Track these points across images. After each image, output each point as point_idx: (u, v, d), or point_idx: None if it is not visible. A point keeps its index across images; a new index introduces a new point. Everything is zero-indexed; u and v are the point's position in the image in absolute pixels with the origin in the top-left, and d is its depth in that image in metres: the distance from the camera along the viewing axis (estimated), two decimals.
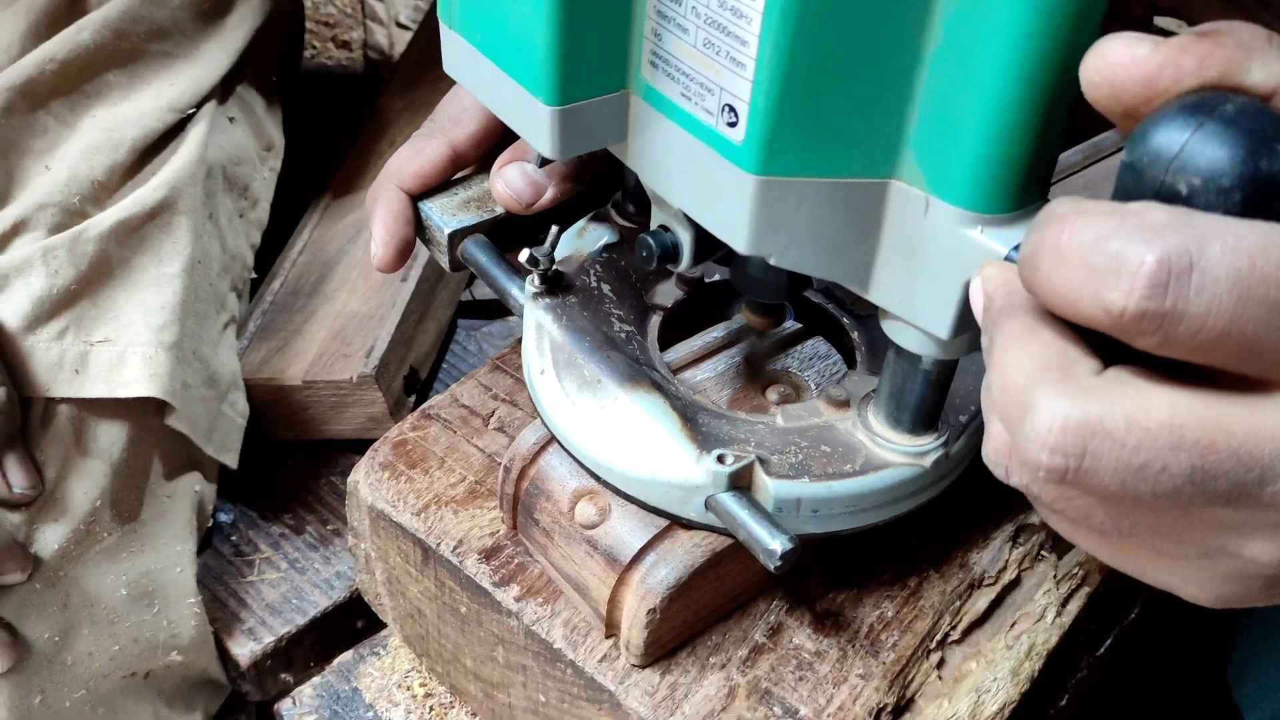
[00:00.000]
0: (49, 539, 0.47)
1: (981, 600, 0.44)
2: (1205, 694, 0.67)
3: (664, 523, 0.39)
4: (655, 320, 0.45)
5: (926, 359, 0.36)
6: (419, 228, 0.47)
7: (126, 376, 0.50)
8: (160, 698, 0.52)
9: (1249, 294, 0.23)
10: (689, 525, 0.39)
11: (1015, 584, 0.46)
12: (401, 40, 0.93)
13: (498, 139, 0.47)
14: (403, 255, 0.46)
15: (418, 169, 0.47)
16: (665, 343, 0.44)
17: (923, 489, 0.39)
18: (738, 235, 0.33)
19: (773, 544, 0.35)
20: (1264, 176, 0.24)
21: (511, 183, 0.45)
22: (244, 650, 0.53)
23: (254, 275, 0.63)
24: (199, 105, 0.59)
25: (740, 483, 0.37)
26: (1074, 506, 0.28)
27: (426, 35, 0.83)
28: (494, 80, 0.37)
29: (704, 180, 0.34)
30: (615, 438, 0.39)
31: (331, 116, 0.78)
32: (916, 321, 0.34)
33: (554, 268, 0.43)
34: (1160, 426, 0.24)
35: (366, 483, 0.46)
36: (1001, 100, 0.28)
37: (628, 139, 0.36)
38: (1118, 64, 0.26)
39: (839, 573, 0.44)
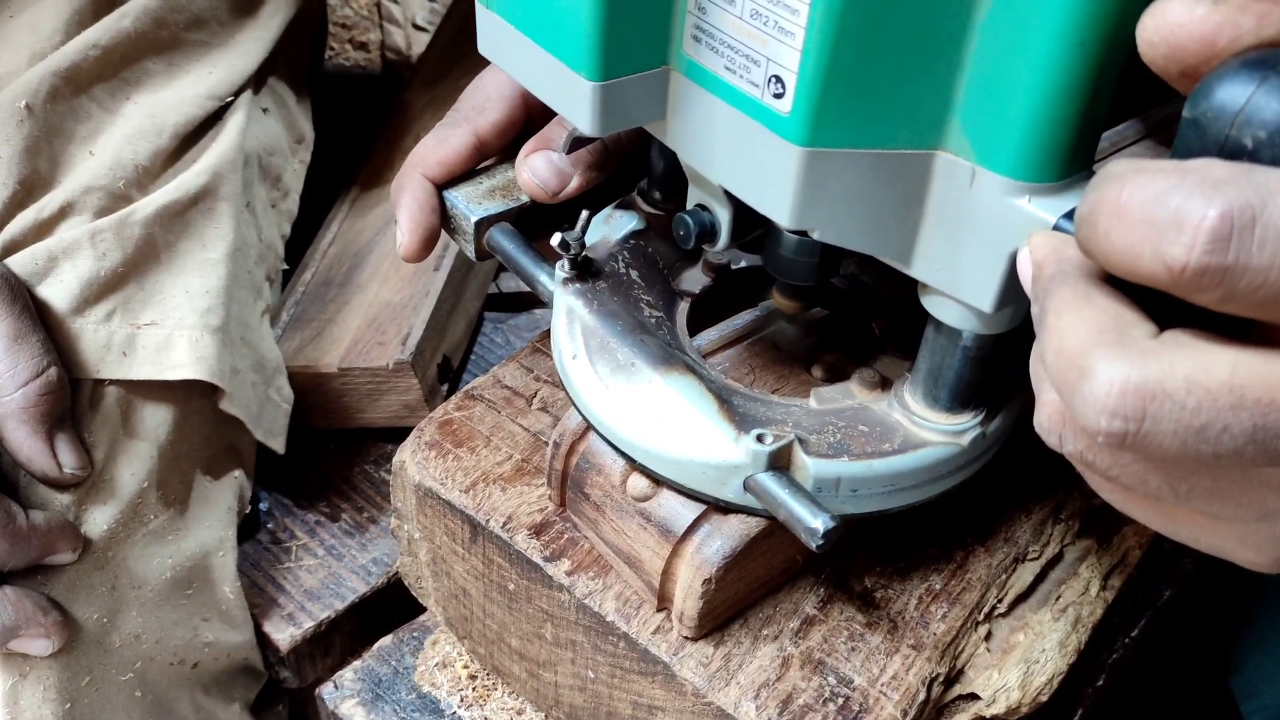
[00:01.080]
0: (98, 520, 0.47)
1: (1026, 574, 0.44)
2: (1205, 679, 0.67)
3: None
4: (683, 306, 0.45)
5: (967, 334, 0.36)
6: (444, 217, 0.47)
7: (174, 359, 0.50)
8: (199, 686, 0.52)
9: None
10: (726, 508, 0.39)
11: (1058, 559, 0.46)
12: (418, 41, 0.93)
13: (521, 128, 0.48)
14: (429, 244, 0.46)
15: (442, 157, 0.47)
16: (693, 329, 0.44)
17: (961, 468, 0.39)
18: (781, 209, 0.33)
19: (814, 523, 0.35)
20: None
21: (537, 171, 0.45)
22: (284, 635, 0.53)
23: (285, 266, 0.64)
24: (236, 94, 0.59)
25: (779, 463, 0.37)
26: (1130, 472, 0.27)
27: (447, 35, 0.83)
28: (533, 58, 0.37)
29: (747, 155, 0.34)
30: (651, 420, 0.39)
31: (353, 114, 0.78)
32: (959, 295, 0.34)
33: (583, 254, 0.43)
34: (1221, 386, 0.24)
35: (414, 461, 0.46)
36: (1053, 67, 0.29)
37: (667, 117, 0.37)
38: (1176, 24, 0.27)
39: (883, 548, 0.44)
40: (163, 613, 0.49)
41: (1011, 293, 0.33)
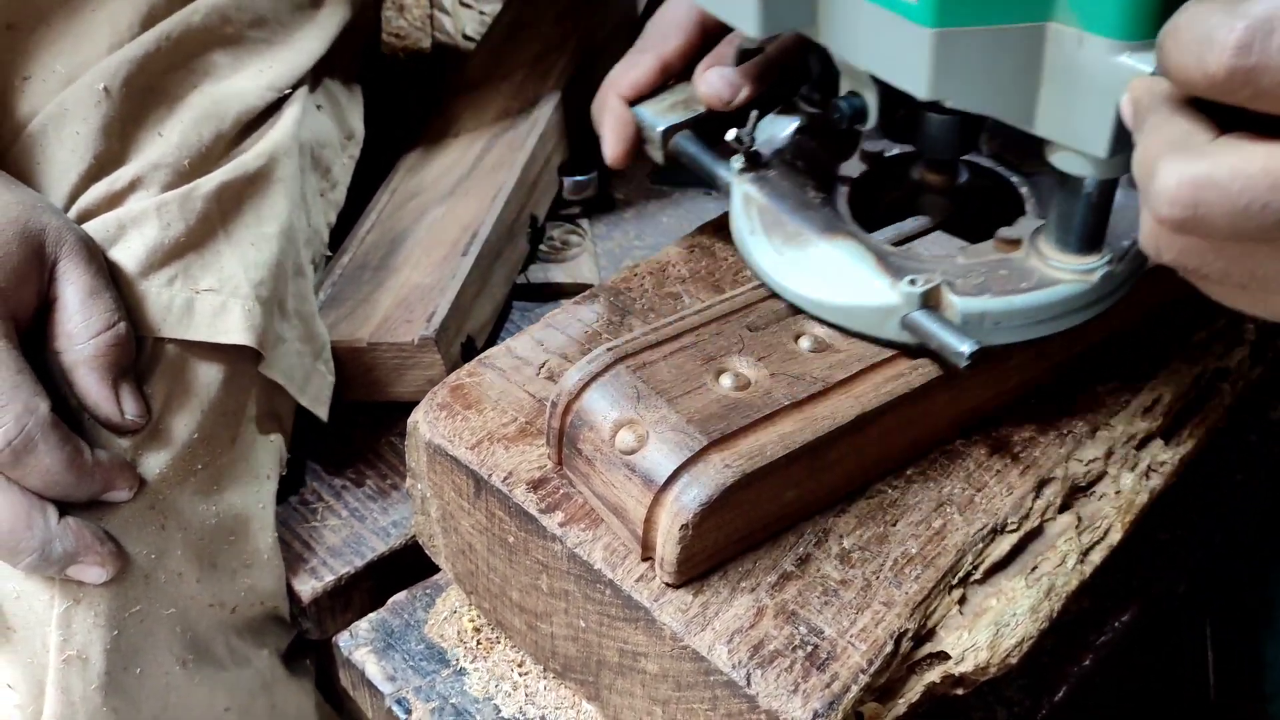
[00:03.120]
0: (151, 465, 0.52)
1: (1004, 544, 0.46)
2: (1236, 682, 0.67)
3: (697, 446, 0.41)
4: (844, 190, 0.53)
5: (1089, 181, 0.42)
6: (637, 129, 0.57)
7: (227, 325, 0.54)
8: (233, 630, 0.56)
9: None
10: (888, 344, 0.46)
11: (1038, 533, 0.47)
12: (466, 50, 0.98)
13: (698, 50, 0.57)
14: (631, 152, 0.57)
15: (633, 80, 0.57)
16: (853, 209, 0.52)
17: (1090, 304, 0.46)
18: (920, 83, 0.40)
19: (961, 347, 0.42)
20: None
21: (712, 84, 0.54)
22: (306, 587, 0.56)
23: (329, 254, 0.68)
24: (293, 89, 0.64)
25: (930, 302, 0.44)
26: (1200, 258, 0.33)
27: (490, 45, 0.87)
28: None
29: (888, 40, 0.40)
30: (819, 277, 0.47)
31: (400, 113, 0.83)
32: (1079, 146, 0.40)
33: (754, 148, 0.52)
34: (1260, 171, 0.29)
35: (425, 420, 0.49)
36: None
37: (817, 20, 0.44)
38: None
39: (867, 513, 0.46)
40: (204, 556, 0.53)
41: (1123, 139, 0.38)
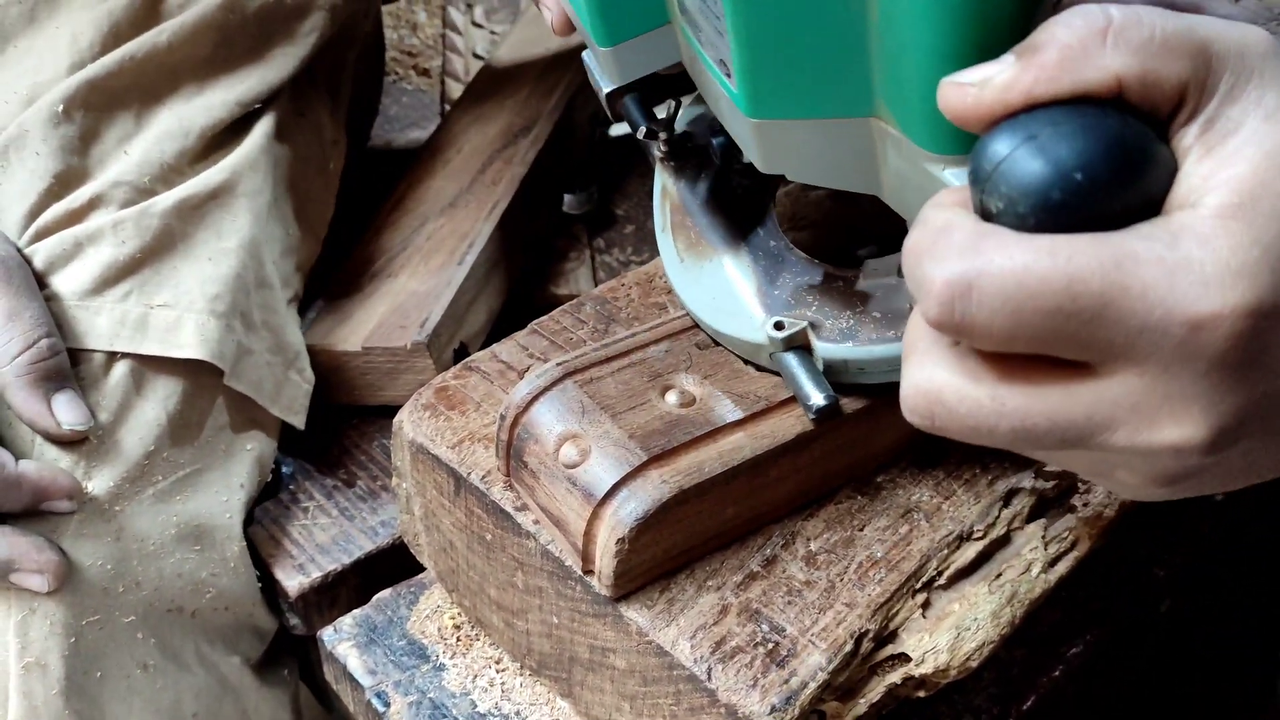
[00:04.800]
0: (104, 477, 0.53)
1: (970, 551, 0.47)
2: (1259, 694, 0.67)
3: (637, 461, 0.42)
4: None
5: None
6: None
7: (181, 339, 0.56)
8: (203, 635, 0.57)
9: (1022, 307, 0.26)
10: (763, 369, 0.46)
11: (1005, 541, 0.48)
12: (476, 68, 1.00)
13: None
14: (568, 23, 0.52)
15: None
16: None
17: None
18: (756, 159, 0.40)
19: (812, 399, 0.42)
20: (1055, 205, 0.27)
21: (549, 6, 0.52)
22: (293, 582, 0.58)
23: (316, 259, 0.69)
24: (265, 103, 0.65)
25: (798, 343, 0.44)
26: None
27: (497, 63, 0.90)
28: None
29: (728, 114, 0.40)
30: (708, 296, 0.47)
31: (405, 128, 0.85)
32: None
33: (683, 131, 0.51)
34: (989, 414, 0.29)
35: (410, 420, 0.50)
36: (931, 74, 0.31)
37: (682, 64, 0.44)
38: (964, 91, 0.29)
39: (835, 517, 0.47)
40: (164, 564, 0.55)
41: None
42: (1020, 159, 0.27)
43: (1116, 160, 0.27)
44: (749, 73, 0.35)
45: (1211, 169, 0.27)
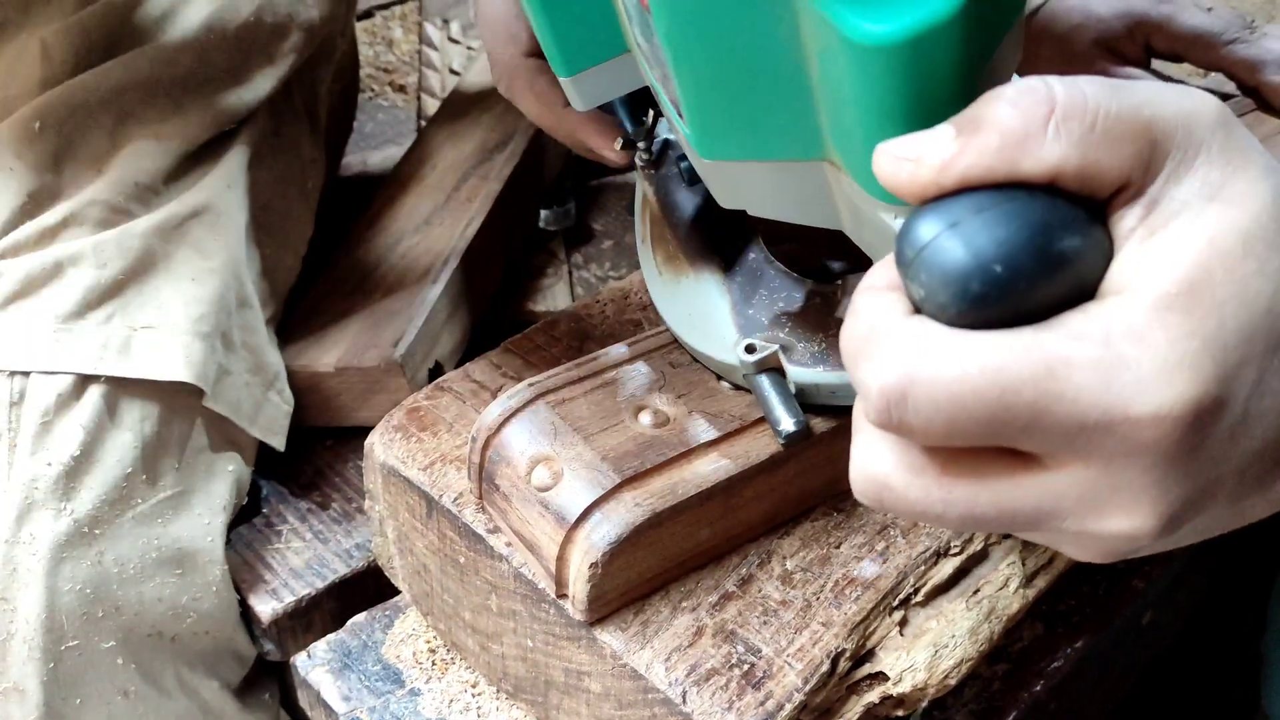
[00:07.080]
0: (84, 499, 0.52)
1: (947, 567, 0.47)
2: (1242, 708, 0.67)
3: (610, 484, 0.42)
4: None
5: None
6: None
7: (165, 361, 0.55)
8: (183, 660, 0.56)
9: (955, 417, 0.26)
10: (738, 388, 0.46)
11: (983, 557, 0.48)
12: (452, 84, 1.00)
13: None
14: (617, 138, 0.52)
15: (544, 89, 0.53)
16: None
17: None
18: (718, 195, 0.40)
19: (782, 424, 0.41)
20: (975, 296, 0.25)
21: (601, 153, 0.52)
22: (267, 608, 0.57)
23: (295, 279, 0.68)
24: (243, 121, 0.64)
25: (770, 365, 0.43)
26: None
27: (471, 80, 0.89)
28: None
29: (685, 146, 0.40)
30: (685, 312, 0.46)
31: (381, 145, 0.84)
32: (877, 258, 0.38)
33: (664, 139, 0.50)
34: (936, 501, 0.28)
35: (381, 442, 0.50)
36: (872, 133, 0.30)
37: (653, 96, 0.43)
38: (899, 165, 0.28)
39: (811, 535, 0.47)
40: (145, 589, 0.54)
41: None
42: (940, 248, 0.26)
43: (1040, 251, 0.25)
44: (698, 115, 0.35)
45: (1152, 253, 0.26)
